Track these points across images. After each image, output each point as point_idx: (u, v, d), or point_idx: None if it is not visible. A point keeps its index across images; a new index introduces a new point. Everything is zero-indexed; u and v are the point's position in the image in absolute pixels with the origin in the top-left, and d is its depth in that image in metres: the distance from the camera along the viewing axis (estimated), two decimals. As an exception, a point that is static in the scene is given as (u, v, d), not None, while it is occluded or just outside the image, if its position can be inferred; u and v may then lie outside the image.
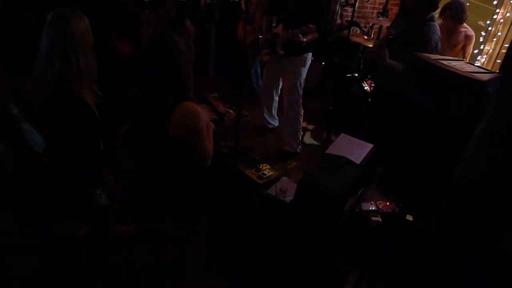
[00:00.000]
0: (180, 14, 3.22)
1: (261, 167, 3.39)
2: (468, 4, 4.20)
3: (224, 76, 4.75)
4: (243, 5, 4.33)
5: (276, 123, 4.26)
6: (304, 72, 3.61)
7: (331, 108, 4.46)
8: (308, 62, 3.61)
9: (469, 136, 1.88)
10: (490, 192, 2.25)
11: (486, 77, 1.76)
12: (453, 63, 1.90)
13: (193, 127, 1.81)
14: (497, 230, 2.16)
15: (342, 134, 2.57)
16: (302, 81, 3.64)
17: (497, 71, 2.24)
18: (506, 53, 2.11)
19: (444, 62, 1.89)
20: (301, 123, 3.85)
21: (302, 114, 3.79)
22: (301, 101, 3.72)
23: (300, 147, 3.93)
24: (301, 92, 3.68)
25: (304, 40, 3.27)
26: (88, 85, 1.91)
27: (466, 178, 2.15)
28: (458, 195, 2.23)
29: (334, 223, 2.25)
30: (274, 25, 3.59)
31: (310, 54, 3.57)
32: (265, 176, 3.30)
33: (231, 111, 4.25)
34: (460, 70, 1.78)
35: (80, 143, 1.96)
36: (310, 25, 3.20)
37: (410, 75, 1.99)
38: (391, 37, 2.75)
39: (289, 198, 3.03)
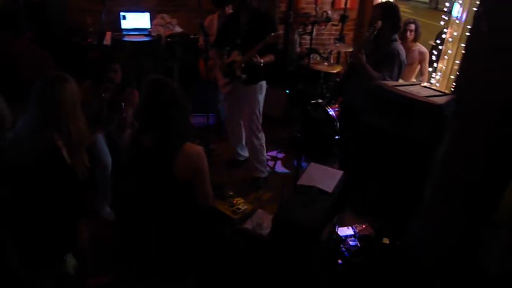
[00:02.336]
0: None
1: (234, 201, 3.33)
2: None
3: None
4: (201, 41, 4.39)
5: (246, 153, 4.26)
6: (262, 98, 3.71)
7: (298, 135, 4.52)
8: (264, 89, 3.71)
9: (432, 157, 1.94)
10: (458, 209, 2.31)
11: (442, 100, 1.84)
12: (410, 88, 1.98)
13: (199, 168, 1.87)
14: (472, 247, 2.20)
15: (312, 163, 2.59)
16: (261, 108, 3.74)
17: (452, 90, 2.35)
18: (457, 76, 2.21)
19: (402, 88, 1.96)
20: (264, 147, 3.91)
21: (264, 139, 3.88)
22: (261, 127, 3.81)
23: (268, 169, 4.02)
24: (260, 119, 3.77)
25: (262, 60, 3.36)
26: (78, 153, 1.88)
27: (434, 197, 2.20)
28: (429, 214, 2.27)
29: (311, 255, 2.24)
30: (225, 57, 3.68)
31: (264, 81, 3.67)
32: (239, 210, 3.25)
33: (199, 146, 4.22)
34: (417, 95, 1.85)
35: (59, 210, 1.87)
36: (267, 36, 3.27)
37: (371, 102, 2.05)
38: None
39: (265, 231, 3.00)
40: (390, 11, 2.92)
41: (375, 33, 2.89)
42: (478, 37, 2.17)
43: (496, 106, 2.11)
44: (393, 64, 2.90)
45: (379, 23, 2.88)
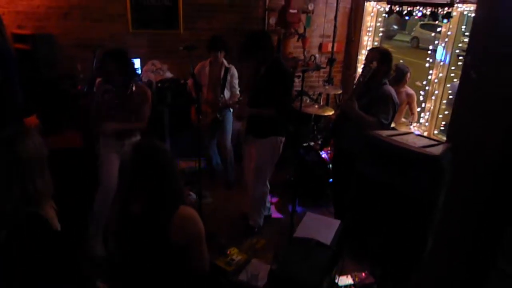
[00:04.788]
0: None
1: (228, 252, 3.24)
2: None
3: (180, 157, 4.71)
4: (189, 84, 4.38)
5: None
6: (271, 155, 3.57)
7: (292, 179, 4.48)
8: (277, 147, 3.57)
9: (433, 209, 1.90)
10: (460, 257, 2.26)
11: (438, 150, 1.82)
12: (405, 138, 1.97)
13: (194, 233, 1.79)
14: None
15: (308, 213, 2.54)
16: (269, 164, 3.62)
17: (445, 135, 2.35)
18: (450, 123, 2.22)
19: (397, 138, 1.95)
20: (266, 199, 3.83)
21: (267, 191, 3.77)
22: (266, 181, 3.69)
23: (262, 220, 3.87)
24: (267, 174, 3.66)
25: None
26: (48, 203, 1.77)
27: (437, 245, 2.15)
28: (432, 266, 2.21)
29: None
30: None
31: (279, 137, 3.54)
32: (234, 261, 3.15)
33: (191, 193, 4.15)
34: (413, 146, 1.84)
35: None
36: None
37: (367, 152, 2.03)
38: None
39: (261, 282, 2.89)
40: (387, 57, 3.02)
41: (370, 73, 2.92)
42: (468, 84, 2.20)
43: (491, 149, 2.11)
44: (388, 107, 2.95)
45: (375, 63, 2.92)
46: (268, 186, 3.76)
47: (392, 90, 3.05)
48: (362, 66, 3.10)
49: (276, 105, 3.31)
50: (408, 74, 4.51)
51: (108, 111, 3.19)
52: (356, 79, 3.23)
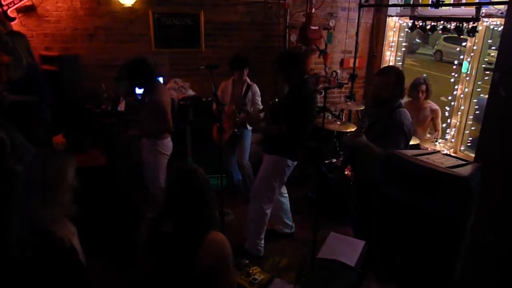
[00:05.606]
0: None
1: (251, 271, 3.20)
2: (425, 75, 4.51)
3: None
4: (214, 112, 4.38)
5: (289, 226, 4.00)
6: (271, 173, 3.43)
7: (313, 196, 4.42)
8: (279, 165, 3.41)
9: (462, 230, 1.82)
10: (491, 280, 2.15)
11: (467, 171, 1.76)
12: (431, 158, 1.91)
13: (222, 257, 1.81)
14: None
15: (332, 233, 2.47)
16: (270, 183, 3.44)
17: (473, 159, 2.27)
18: (479, 142, 2.15)
19: (423, 158, 1.89)
20: (266, 221, 3.58)
21: (268, 212, 3.54)
22: (267, 200, 3.49)
23: (262, 245, 3.61)
24: (270, 194, 3.48)
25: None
26: (63, 223, 1.79)
27: (467, 267, 2.06)
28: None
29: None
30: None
31: (285, 159, 3.40)
32: (256, 281, 3.10)
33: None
34: (440, 166, 1.78)
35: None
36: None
37: (390, 173, 1.97)
38: (363, 128, 2.82)
39: (284, 303, 2.84)
40: (403, 79, 2.81)
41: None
42: (497, 102, 2.12)
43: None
44: (399, 139, 2.69)
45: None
46: (267, 212, 3.54)
47: (405, 115, 2.78)
48: (376, 90, 2.87)
49: (287, 126, 3.22)
50: (423, 87, 4.30)
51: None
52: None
